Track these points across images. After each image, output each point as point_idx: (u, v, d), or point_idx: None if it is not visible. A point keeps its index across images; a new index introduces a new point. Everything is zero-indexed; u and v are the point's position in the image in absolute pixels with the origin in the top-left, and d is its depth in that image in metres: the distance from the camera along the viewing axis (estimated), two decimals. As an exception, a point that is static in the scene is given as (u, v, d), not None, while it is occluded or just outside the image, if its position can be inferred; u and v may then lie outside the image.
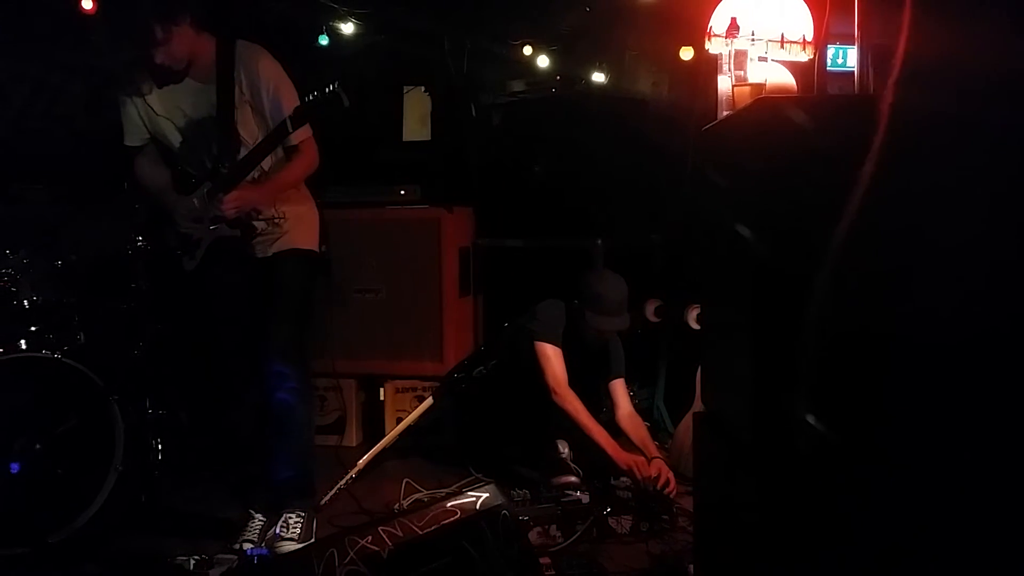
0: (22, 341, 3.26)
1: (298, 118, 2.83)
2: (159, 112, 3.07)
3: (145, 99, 3.06)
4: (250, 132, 3.04)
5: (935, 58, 1.10)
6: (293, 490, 3.16)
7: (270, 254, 3.13)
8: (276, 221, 3.10)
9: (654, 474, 3.40)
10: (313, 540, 3.04)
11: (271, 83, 2.99)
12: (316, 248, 3.23)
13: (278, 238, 3.13)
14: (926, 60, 1.12)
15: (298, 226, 3.17)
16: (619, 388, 3.88)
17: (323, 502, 3.46)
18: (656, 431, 4.47)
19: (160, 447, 3.65)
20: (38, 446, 3.12)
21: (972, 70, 1.03)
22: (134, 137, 3.19)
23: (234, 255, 3.08)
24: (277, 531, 3.04)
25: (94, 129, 4.66)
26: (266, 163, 3.04)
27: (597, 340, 3.81)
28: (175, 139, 3.10)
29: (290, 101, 2.97)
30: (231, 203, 2.92)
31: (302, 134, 2.99)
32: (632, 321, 3.89)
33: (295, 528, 3.07)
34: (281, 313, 3.09)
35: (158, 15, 2.82)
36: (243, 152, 2.99)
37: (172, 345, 3.92)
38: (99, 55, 4.56)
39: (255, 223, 3.04)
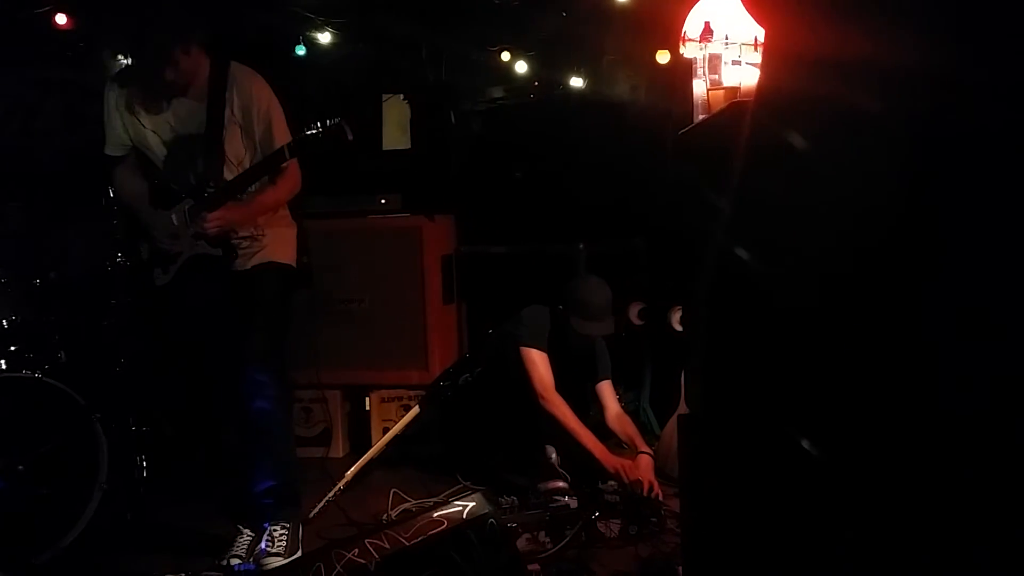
0: (2, 361, 3.25)
1: (297, 148, 2.88)
2: (146, 125, 3.06)
3: (133, 110, 3.05)
4: (235, 152, 3.05)
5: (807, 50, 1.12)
6: (276, 500, 3.11)
7: (248, 267, 3.12)
8: (255, 236, 3.11)
9: (641, 477, 3.41)
10: (300, 553, 3.03)
11: (263, 107, 3.03)
12: (293, 262, 3.23)
13: (256, 252, 3.13)
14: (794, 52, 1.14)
15: (276, 240, 3.18)
16: (606, 390, 3.89)
17: (312, 515, 3.45)
18: (643, 434, 4.46)
19: (145, 464, 3.63)
20: (21, 467, 3.09)
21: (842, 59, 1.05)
22: (115, 147, 3.17)
23: (210, 270, 3.06)
24: (263, 547, 3.01)
25: (72, 146, 4.64)
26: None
27: (582, 344, 3.82)
28: (160, 152, 3.09)
29: (281, 126, 3.04)
30: (214, 222, 2.93)
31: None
32: (616, 324, 3.90)
33: (280, 542, 3.05)
34: (257, 323, 3.08)
35: (180, 38, 2.86)
36: (226, 171, 3.01)
37: (155, 361, 3.90)
38: (81, 67, 4.56)
39: (234, 242, 3.06)
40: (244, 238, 3.09)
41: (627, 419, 3.85)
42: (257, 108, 3.03)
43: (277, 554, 3.01)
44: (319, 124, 2.83)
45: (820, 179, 1.10)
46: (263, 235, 3.13)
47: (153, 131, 3.07)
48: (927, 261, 1.02)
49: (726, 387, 1.55)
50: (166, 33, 2.85)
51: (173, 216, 3.04)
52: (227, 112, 3.00)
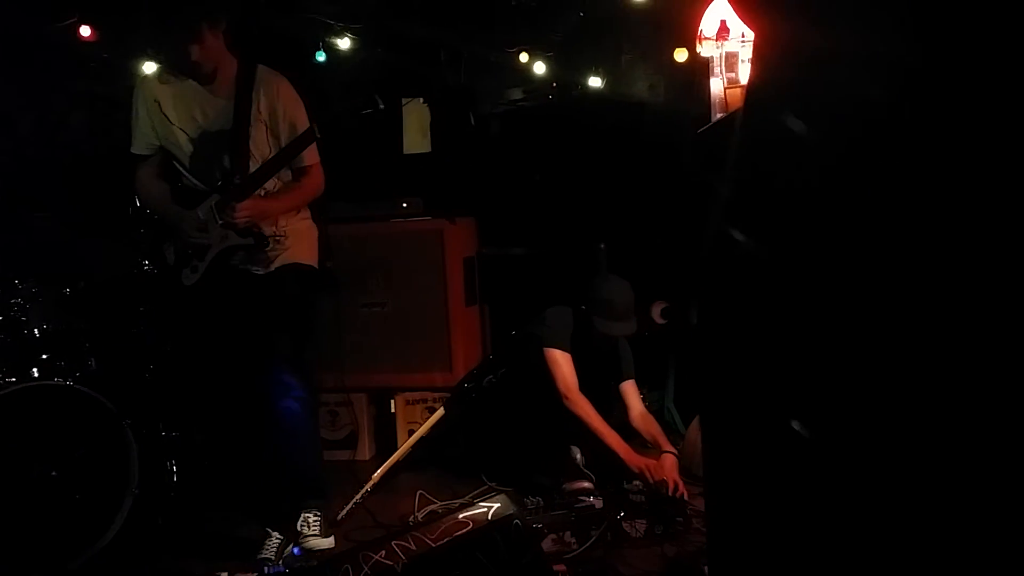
0: (34, 369, 3.30)
1: (329, 122, 2.96)
2: (173, 121, 3.09)
3: (160, 106, 3.08)
4: (261, 150, 3.10)
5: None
6: (307, 491, 3.23)
7: (272, 270, 3.15)
8: (277, 238, 3.14)
9: (666, 477, 3.41)
10: (332, 538, 3.17)
11: (289, 109, 3.11)
12: (316, 264, 3.27)
13: (279, 255, 3.16)
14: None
15: (299, 242, 3.21)
16: (630, 389, 3.89)
17: (340, 517, 3.48)
18: (667, 433, 4.46)
19: (175, 469, 3.68)
20: (54, 473, 3.14)
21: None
22: (142, 145, 3.18)
23: (236, 273, 3.10)
24: (299, 528, 3.13)
25: (99, 156, 4.71)
26: (272, 185, 3.13)
27: (605, 344, 3.82)
28: (186, 149, 3.12)
29: (305, 126, 3.08)
30: (243, 211, 2.98)
31: (312, 157, 3.11)
32: (639, 324, 3.89)
33: (315, 525, 3.16)
34: (283, 324, 3.13)
35: (205, 15, 2.94)
36: (251, 167, 3.05)
37: (183, 366, 3.94)
38: (107, 79, 4.63)
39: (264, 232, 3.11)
40: (268, 237, 3.11)
41: (651, 419, 3.85)
42: (283, 109, 3.09)
43: (314, 534, 3.13)
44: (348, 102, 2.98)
45: (805, 170, 1.12)
46: (285, 237, 3.16)
47: (181, 128, 3.11)
48: (915, 250, 1.03)
49: (745, 385, 1.55)
50: (194, 10, 2.91)
51: (199, 211, 3.06)
52: (254, 110, 3.06)
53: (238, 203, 2.97)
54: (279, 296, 3.13)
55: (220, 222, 3.02)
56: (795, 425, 1.34)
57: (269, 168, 3.03)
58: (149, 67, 4.81)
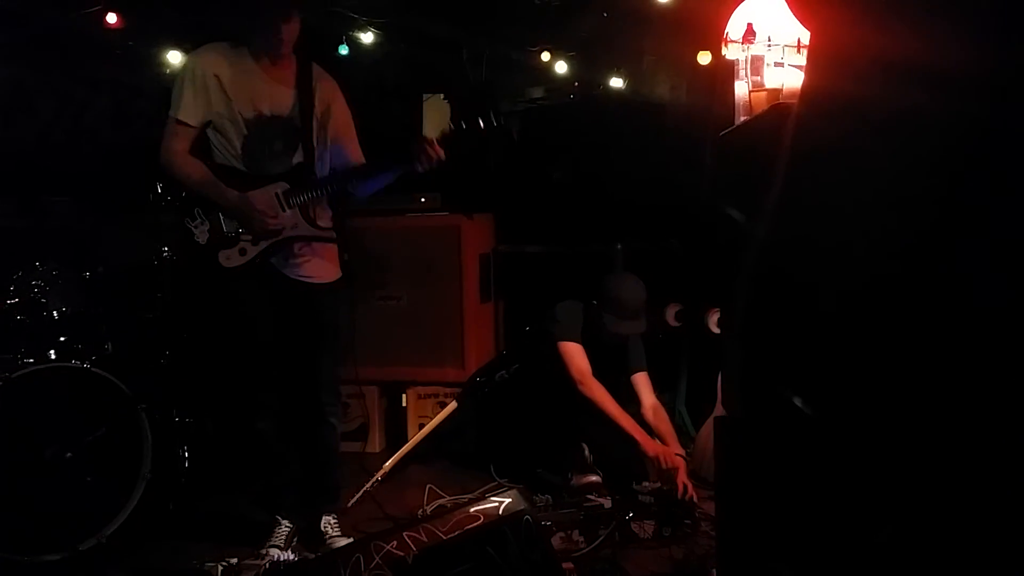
0: (52, 351, 3.33)
1: (444, 141, 3.06)
2: (231, 96, 3.04)
3: (220, 81, 3.03)
4: (318, 147, 3.15)
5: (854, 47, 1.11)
6: (329, 497, 3.33)
7: (302, 277, 3.12)
8: (322, 235, 3.16)
9: (679, 465, 3.41)
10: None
11: (342, 115, 3.22)
12: (340, 272, 3.29)
13: (309, 260, 3.14)
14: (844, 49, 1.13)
15: (328, 253, 3.22)
16: (641, 381, 3.88)
17: (349, 504, 3.51)
18: (678, 435, 4.46)
19: (187, 455, 3.71)
20: (69, 454, 3.17)
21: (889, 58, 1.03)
22: (192, 115, 3.02)
23: (272, 272, 3.09)
24: (323, 529, 3.24)
25: (120, 142, 4.75)
26: None
27: (614, 341, 3.82)
28: (239, 128, 3.05)
29: (353, 135, 3.23)
30: (323, 204, 3.09)
31: None
32: (653, 325, 3.89)
33: (336, 526, 3.27)
34: (326, 348, 3.21)
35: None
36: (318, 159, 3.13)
37: (198, 353, 3.97)
38: (130, 67, 4.62)
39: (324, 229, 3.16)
40: (311, 238, 3.13)
41: (663, 412, 3.83)
42: (337, 112, 3.19)
43: (338, 535, 3.22)
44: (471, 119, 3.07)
45: (864, 180, 1.09)
46: (332, 233, 3.20)
47: (238, 107, 3.05)
48: (975, 263, 1.01)
49: (765, 390, 1.55)
50: None
51: (261, 194, 3.02)
52: (315, 105, 3.12)
53: (324, 198, 3.09)
54: (318, 318, 3.17)
55: (287, 211, 3.03)
56: (808, 431, 1.34)
57: (345, 176, 3.14)
58: (174, 56, 4.85)
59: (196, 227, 3.04)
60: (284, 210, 3.04)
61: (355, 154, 3.22)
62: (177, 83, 3.05)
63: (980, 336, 1.02)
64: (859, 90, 1.08)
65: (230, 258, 3.03)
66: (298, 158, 3.08)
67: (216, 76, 3.02)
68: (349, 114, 3.25)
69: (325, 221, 3.16)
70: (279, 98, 3.08)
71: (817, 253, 1.16)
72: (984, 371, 1.04)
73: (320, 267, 3.17)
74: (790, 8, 1.45)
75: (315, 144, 3.11)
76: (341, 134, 3.20)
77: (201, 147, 3.10)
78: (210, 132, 3.07)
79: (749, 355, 1.35)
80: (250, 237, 3.02)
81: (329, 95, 3.17)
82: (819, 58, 1.21)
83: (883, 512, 1.23)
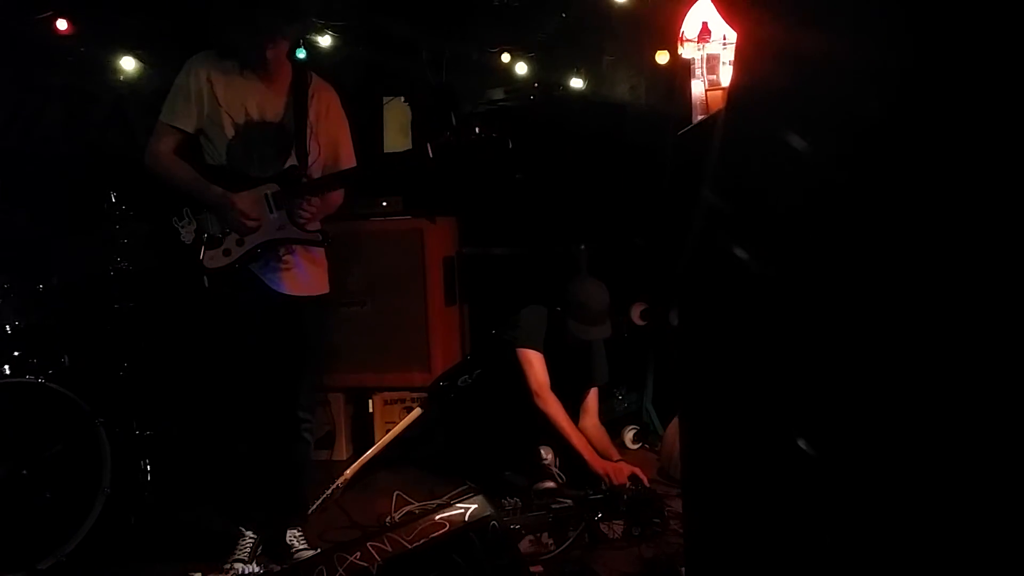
0: (6, 366, 3.26)
1: (438, 150, 3.08)
2: (221, 102, 3.05)
3: (212, 87, 3.05)
4: (311, 153, 3.13)
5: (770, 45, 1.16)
6: (296, 511, 3.29)
7: (285, 290, 3.08)
8: (315, 237, 3.14)
9: (627, 483, 3.44)
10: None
11: (336, 123, 3.21)
12: (328, 288, 3.25)
13: (291, 270, 3.10)
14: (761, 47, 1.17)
15: (315, 262, 3.19)
16: (591, 397, 3.94)
17: (309, 512, 3.45)
18: (646, 434, 4.48)
19: (149, 468, 3.64)
20: (25, 471, 3.10)
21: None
22: (184, 120, 3.03)
23: (254, 280, 3.04)
24: (288, 542, 3.20)
25: (74, 151, 4.65)
26: None
27: (579, 346, 3.83)
28: (228, 132, 3.05)
29: (348, 143, 3.22)
30: (311, 208, 3.04)
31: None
32: (618, 325, 3.90)
33: (302, 539, 3.24)
34: (308, 365, 3.19)
35: (287, 19, 3.00)
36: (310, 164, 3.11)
37: (158, 364, 3.90)
38: (82, 73, 4.54)
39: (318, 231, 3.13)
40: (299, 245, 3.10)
41: (603, 431, 3.91)
42: (331, 120, 3.18)
43: (304, 548, 3.19)
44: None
45: (784, 167, 1.13)
46: (312, 249, 3.16)
47: (226, 111, 3.05)
48: (904, 252, 1.03)
49: (724, 388, 1.55)
50: (279, 13, 2.96)
51: (247, 196, 3.00)
52: (310, 113, 3.11)
53: (310, 197, 3.03)
54: (302, 332, 3.13)
55: (275, 213, 3.01)
56: (773, 428, 1.34)
57: (336, 179, 3.12)
58: (127, 62, 4.77)
59: (183, 227, 3.04)
60: (272, 212, 3.02)
61: (349, 161, 3.23)
62: (172, 89, 3.08)
63: (902, 333, 1.05)
64: (775, 84, 1.12)
65: (214, 258, 3.03)
66: (291, 162, 3.07)
67: (209, 82, 3.04)
68: (345, 122, 3.25)
69: (314, 225, 3.12)
70: (272, 104, 3.08)
71: (748, 249, 1.18)
72: (909, 365, 1.06)
73: (305, 280, 3.13)
74: (718, 12, 1.50)
75: (308, 150, 3.09)
76: (336, 141, 3.20)
77: (191, 152, 3.10)
78: (201, 138, 3.08)
79: (689, 355, 1.37)
80: (236, 238, 3.01)
81: (325, 103, 3.18)
82: (742, 56, 1.24)
83: (850, 511, 1.24)
